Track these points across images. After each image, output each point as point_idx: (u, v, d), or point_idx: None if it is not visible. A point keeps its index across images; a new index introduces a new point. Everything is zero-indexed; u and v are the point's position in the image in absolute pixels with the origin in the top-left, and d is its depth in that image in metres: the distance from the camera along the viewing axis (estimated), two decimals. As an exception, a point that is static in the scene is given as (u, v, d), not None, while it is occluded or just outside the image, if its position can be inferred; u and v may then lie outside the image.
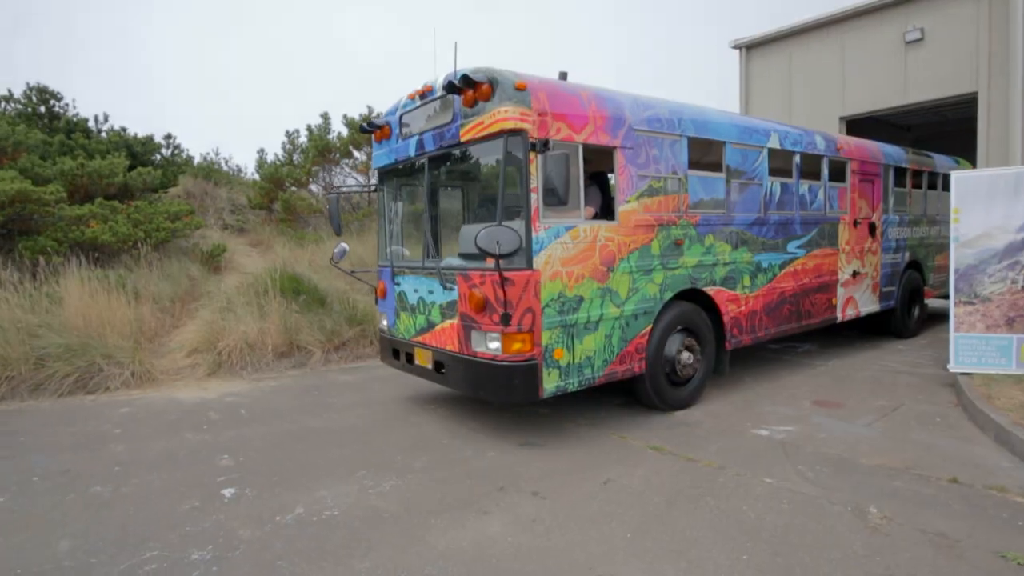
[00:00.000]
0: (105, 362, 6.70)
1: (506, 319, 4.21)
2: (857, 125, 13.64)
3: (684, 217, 5.29)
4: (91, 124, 13.67)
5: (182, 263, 10.08)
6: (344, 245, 5.81)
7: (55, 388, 6.42)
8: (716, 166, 5.71)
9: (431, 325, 4.98)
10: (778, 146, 6.32)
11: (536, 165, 4.20)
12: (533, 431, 4.89)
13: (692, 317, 5.42)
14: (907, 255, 8.59)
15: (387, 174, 5.69)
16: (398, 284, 5.51)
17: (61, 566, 2.87)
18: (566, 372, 4.47)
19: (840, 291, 7.33)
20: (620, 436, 4.72)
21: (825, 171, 7.03)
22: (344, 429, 5.09)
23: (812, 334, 8.86)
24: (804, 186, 6.80)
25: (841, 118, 13.52)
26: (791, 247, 6.54)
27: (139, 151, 13.26)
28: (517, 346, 4.23)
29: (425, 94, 4.95)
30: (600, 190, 5.26)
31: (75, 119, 13.46)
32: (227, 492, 3.69)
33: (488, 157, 4.63)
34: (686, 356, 5.34)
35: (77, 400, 6.29)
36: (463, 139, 4.48)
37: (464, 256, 4.73)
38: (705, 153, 5.82)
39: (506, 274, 4.17)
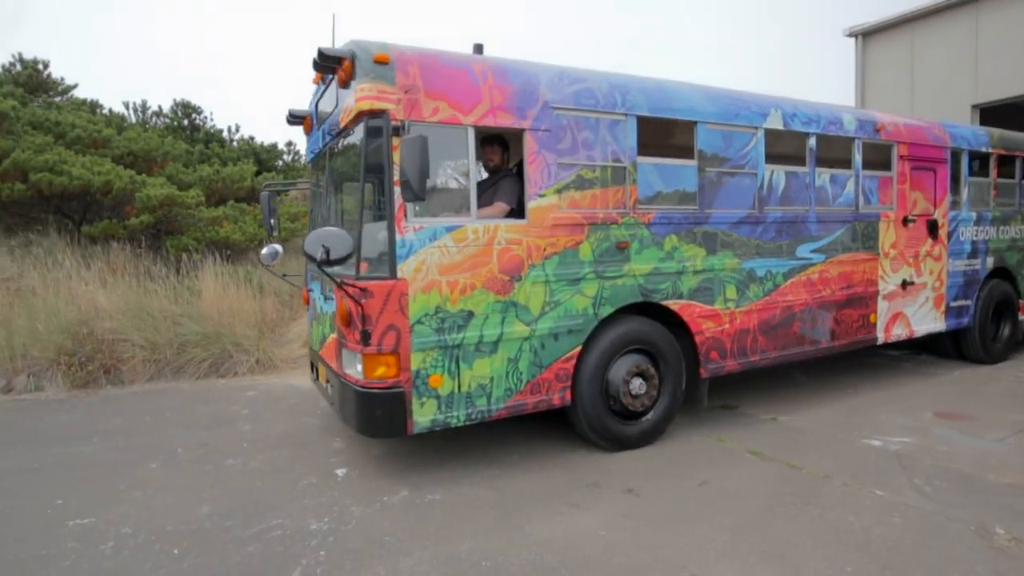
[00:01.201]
0: (234, 349, 7.38)
1: (365, 337, 3.51)
2: (993, 113, 11.82)
3: (631, 214, 4.29)
4: (225, 134, 14.75)
5: (300, 260, 10.46)
6: (276, 246, 5.37)
7: (193, 371, 7.17)
8: (685, 151, 4.64)
9: (325, 338, 4.40)
10: (781, 126, 5.09)
11: (399, 153, 3.48)
12: (628, 429, 4.65)
13: (650, 336, 4.42)
14: (990, 260, 6.82)
15: (313, 169, 5.19)
16: (311, 290, 4.99)
17: (203, 527, 3.30)
18: (448, 403, 3.70)
19: (882, 305, 5.88)
20: (718, 439, 4.60)
21: (858, 157, 5.63)
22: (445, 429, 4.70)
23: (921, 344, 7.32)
24: (823, 176, 5.47)
25: (973, 106, 11.87)
26: (803, 251, 5.27)
27: (265, 157, 14.14)
28: (381, 370, 3.52)
29: (323, 78, 4.37)
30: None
31: (212, 130, 14.68)
32: (339, 472, 4.01)
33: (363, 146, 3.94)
34: (637, 384, 4.35)
35: (211, 383, 6.99)
36: (342, 126, 3.84)
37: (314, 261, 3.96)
38: (667, 135, 4.76)
39: (364, 284, 3.48)
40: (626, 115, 4.25)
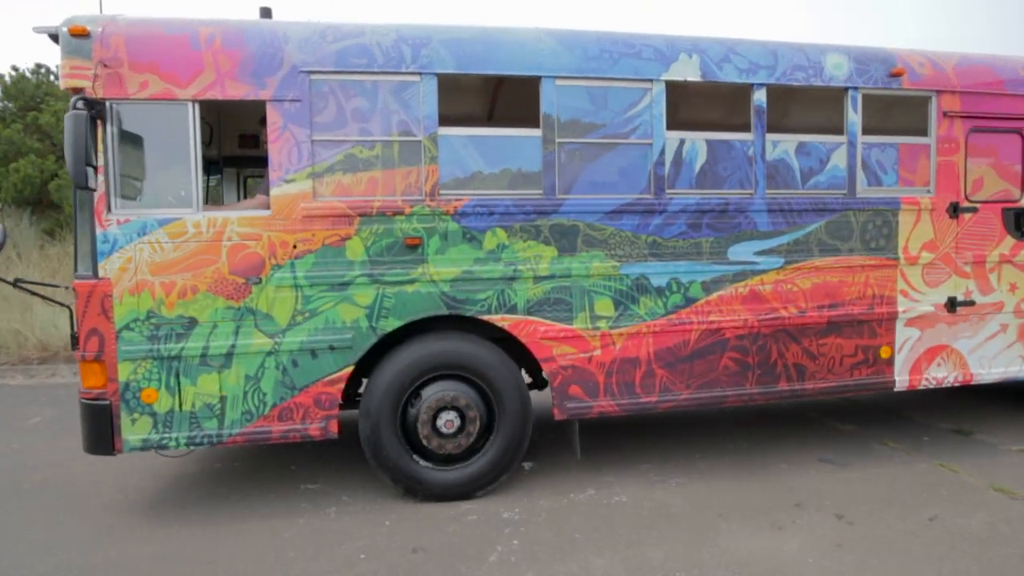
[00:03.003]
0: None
1: (73, 342, 3.17)
2: None
3: (427, 202, 3.35)
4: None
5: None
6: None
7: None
8: (525, 119, 3.51)
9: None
10: (698, 76, 3.64)
11: (102, 137, 3.05)
12: (834, 447, 4.33)
13: (473, 361, 3.45)
14: None
15: None
16: None
17: (406, 503, 3.46)
18: (166, 422, 3.19)
19: (905, 334, 4.01)
20: (950, 468, 3.95)
21: (853, 116, 3.86)
22: (628, 423, 4.76)
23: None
24: (784, 145, 3.84)
25: None
26: (740, 253, 3.75)
27: None
28: (91, 379, 3.14)
29: None
30: None
31: None
32: (526, 465, 4.01)
33: None
34: (446, 419, 3.42)
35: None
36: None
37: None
38: (505, 99, 3.66)
39: (73, 283, 3.14)
40: (420, 74, 3.31)
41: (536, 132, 3.46)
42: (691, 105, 4.27)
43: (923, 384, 4.10)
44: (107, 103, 3.04)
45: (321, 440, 3.39)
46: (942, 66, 4.01)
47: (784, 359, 3.85)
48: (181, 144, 3.14)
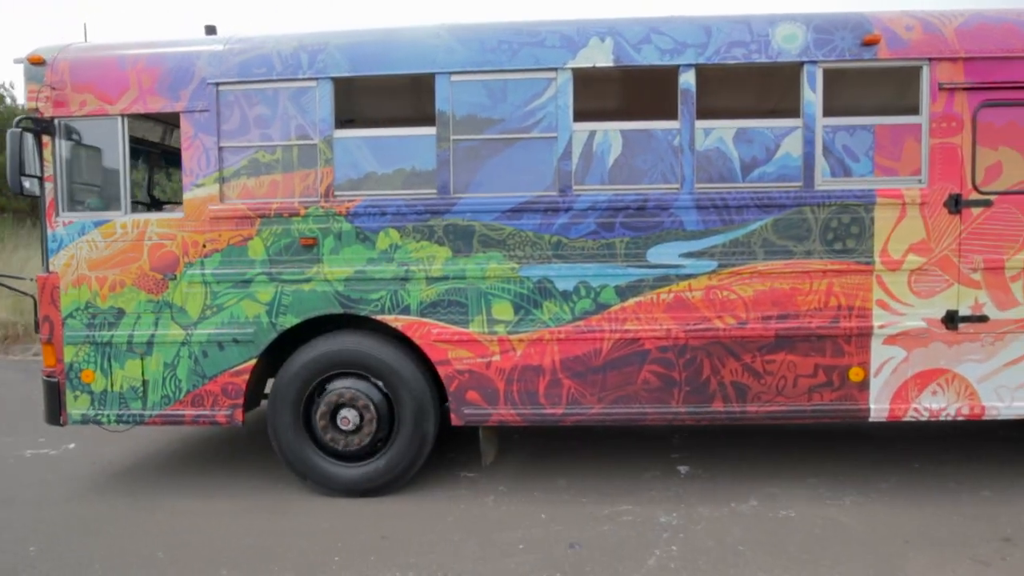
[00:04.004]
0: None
1: (36, 326, 3.69)
2: None
3: (322, 204, 3.42)
4: None
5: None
6: None
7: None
8: (423, 118, 3.43)
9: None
10: (610, 62, 3.31)
11: (51, 150, 3.52)
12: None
13: (371, 360, 3.49)
14: None
15: None
16: None
17: (562, 498, 3.55)
18: (100, 400, 3.59)
19: (884, 354, 3.34)
20: None
21: (810, 95, 3.27)
22: (790, 432, 4.53)
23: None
24: (720, 133, 3.36)
25: None
26: (664, 255, 3.36)
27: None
28: (47, 360, 3.66)
29: None
30: None
31: None
32: (682, 469, 3.91)
33: None
34: (343, 417, 3.48)
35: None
36: None
37: None
38: (400, 99, 3.58)
39: (40, 276, 3.67)
40: (316, 79, 3.40)
41: (431, 131, 3.40)
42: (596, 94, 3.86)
43: (911, 415, 3.37)
44: (55, 120, 3.52)
45: (227, 426, 3.63)
46: (938, 29, 3.27)
47: (719, 376, 3.39)
48: (113, 154, 3.54)
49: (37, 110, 3.53)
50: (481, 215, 3.39)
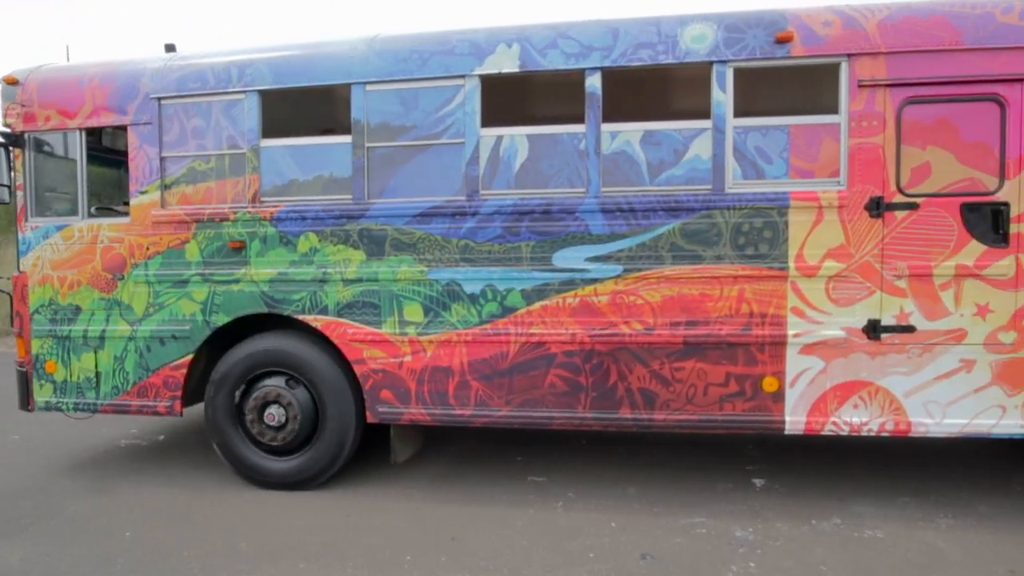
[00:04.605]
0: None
1: (11, 320, 4.09)
2: None
3: (248, 209, 3.61)
4: None
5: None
6: None
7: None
8: (346, 128, 3.56)
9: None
10: (515, 67, 3.33)
11: (21, 161, 3.90)
12: None
13: (294, 359, 3.66)
14: None
15: None
16: None
17: (632, 507, 3.45)
18: (61, 389, 3.93)
19: (800, 364, 3.19)
20: None
21: (720, 95, 3.18)
22: (881, 447, 4.28)
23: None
24: (627, 136, 3.31)
25: None
26: (569, 259, 3.34)
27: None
28: (19, 351, 4.05)
29: None
30: None
31: None
32: (757, 482, 3.76)
33: None
34: (269, 412, 3.67)
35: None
36: None
37: None
38: (318, 107, 3.72)
39: (14, 276, 4.06)
40: (244, 92, 3.61)
41: (347, 139, 3.53)
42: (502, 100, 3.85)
43: (829, 429, 3.20)
44: (24, 134, 3.90)
45: (166, 416, 3.89)
46: (859, 23, 3.10)
47: (627, 383, 3.33)
48: (73, 164, 3.88)
49: (10, 125, 3.93)
50: (393, 220, 3.50)
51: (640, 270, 3.29)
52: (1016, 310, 3.03)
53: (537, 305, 3.39)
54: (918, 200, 3.07)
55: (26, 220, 3.95)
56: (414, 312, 3.50)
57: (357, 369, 3.58)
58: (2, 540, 3.18)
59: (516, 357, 3.42)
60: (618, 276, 3.31)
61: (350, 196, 3.54)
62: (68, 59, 4.37)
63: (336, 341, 3.58)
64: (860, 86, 3.08)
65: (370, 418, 3.61)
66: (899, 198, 3.08)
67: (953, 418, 3.10)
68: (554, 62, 3.33)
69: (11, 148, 3.88)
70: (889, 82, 3.06)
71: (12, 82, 3.93)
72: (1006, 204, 3.00)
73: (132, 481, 3.94)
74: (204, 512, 3.46)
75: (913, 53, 3.04)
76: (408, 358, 3.53)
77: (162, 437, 4.88)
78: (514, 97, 3.80)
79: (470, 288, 3.44)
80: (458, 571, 2.82)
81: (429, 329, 3.49)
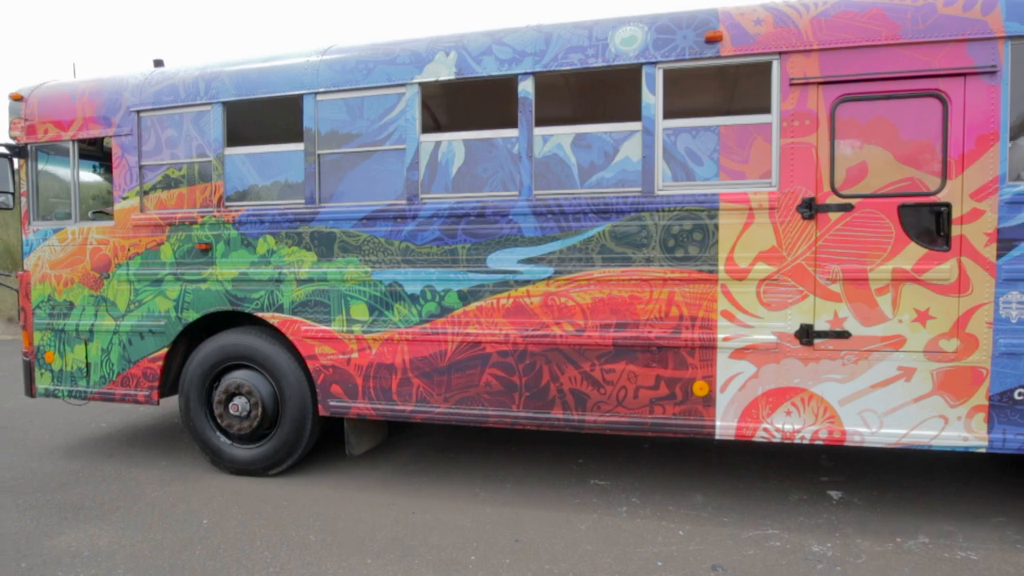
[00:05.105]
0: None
1: (19, 315, 4.51)
2: None
3: (215, 213, 3.86)
4: None
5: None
6: None
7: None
8: (300, 136, 3.74)
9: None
10: (452, 75, 3.41)
11: (24, 170, 4.30)
12: None
13: (256, 354, 3.89)
14: None
15: None
16: None
17: (701, 515, 3.33)
18: (58, 378, 4.31)
19: (731, 368, 3.14)
20: None
21: (651, 97, 3.15)
22: (970, 462, 4.07)
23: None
24: (558, 140, 3.33)
25: None
26: (503, 261, 3.40)
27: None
28: (25, 343, 4.46)
29: None
30: None
31: None
32: (834, 494, 3.60)
33: None
34: (234, 403, 3.91)
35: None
36: None
37: None
38: (278, 117, 3.89)
39: (19, 274, 4.48)
40: (210, 104, 3.85)
41: (300, 146, 3.72)
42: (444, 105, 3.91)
43: (761, 436, 3.12)
44: (27, 145, 4.30)
45: (144, 404, 4.19)
46: (792, 20, 3.01)
47: (559, 383, 3.37)
48: (67, 172, 4.25)
49: (15, 138, 4.35)
50: (341, 223, 3.66)
51: (571, 272, 3.31)
52: (959, 316, 2.87)
53: (473, 306, 3.47)
54: (853, 201, 2.96)
55: (29, 224, 4.36)
56: (360, 311, 3.65)
57: (310, 364, 3.77)
58: (93, 523, 3.37)
59: (454, 356, 3.51)
60: (549, 278, 3.34)
61: (300, 200, 3.73)
62: (75, 75, 4.78)
63: (291, 338, 3.78)
64: (792, 84, 2.99)
65: (322, 411, 3.78)
66: (833, 199, 2.98)
67: (891, 428, 2.98)
68: (488, 68, 3.40)
69: (15, 158, 4.30)
70: (822, 80, 2.96)
71: (18, 98, 4.35)
72: (947, 205, 2.85)
73: (205, 469, 4.11)
74: (275, 503, 3.56)
75: (847, 49, 2.94)
76: (355, 355, 3.68)
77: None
78: (455, 104, 3.90)
79: (411, 288, 3.56)
80: (524, 574, 2.78)
81: (374, 327, 3.63)
